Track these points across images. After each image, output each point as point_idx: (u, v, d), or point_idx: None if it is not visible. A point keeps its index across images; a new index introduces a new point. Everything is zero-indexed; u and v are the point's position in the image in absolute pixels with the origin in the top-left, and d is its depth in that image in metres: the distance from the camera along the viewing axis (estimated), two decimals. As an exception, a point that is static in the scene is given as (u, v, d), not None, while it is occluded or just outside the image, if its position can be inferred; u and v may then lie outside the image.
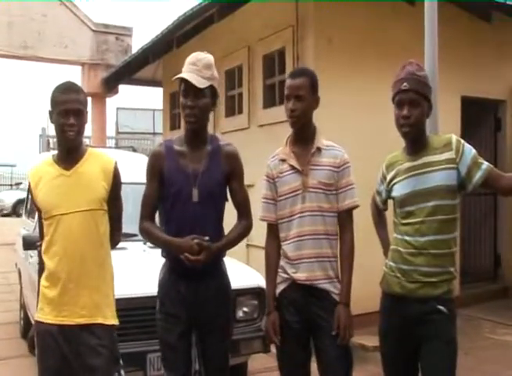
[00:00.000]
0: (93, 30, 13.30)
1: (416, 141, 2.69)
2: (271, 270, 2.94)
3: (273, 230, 2.96)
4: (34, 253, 4.78)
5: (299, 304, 2.85)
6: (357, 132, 5.98)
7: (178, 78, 2.82)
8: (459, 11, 6.49)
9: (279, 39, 6.50)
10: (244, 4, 6.55)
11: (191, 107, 2.77)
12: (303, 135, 2.93)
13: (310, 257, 2.83)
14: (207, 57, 2.88)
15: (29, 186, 2.81)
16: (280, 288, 2.92)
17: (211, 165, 2.84)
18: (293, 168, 2.89)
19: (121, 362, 2.82)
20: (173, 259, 2.82)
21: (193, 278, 2.77)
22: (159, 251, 4.35)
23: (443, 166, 2.60)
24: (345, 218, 2.90)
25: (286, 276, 2.89)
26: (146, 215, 2.89)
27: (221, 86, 8.03)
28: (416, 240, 2.62)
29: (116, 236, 2.97)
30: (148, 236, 2.91)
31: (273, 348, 4.25)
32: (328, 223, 2.87)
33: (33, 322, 5.04)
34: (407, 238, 2.66)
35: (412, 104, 2.61)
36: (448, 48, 6.03)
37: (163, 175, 2.82)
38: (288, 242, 2.88)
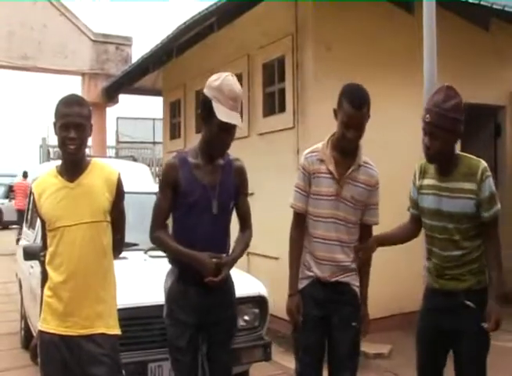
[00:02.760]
0: (93, 40, 13.37)
1: (442, 165, 2.85)
2: (295, 255, 3.12)
3: (300, 219, 3.12)
4: (34, 263, 4.77)
5: (321, 300, 3.04)
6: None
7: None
8: (457, 19, 6.50)
9: (278, 47, 6.52)
10: (244, 13, 6.56)
11: (228, 144, 2.91)
12: (349, 150, 3.06)
13: (335, 260, 3.03)
14: (240, 89, 2.93)
15: (32, 197, 2.80)
16: (303, 284, 3.10)
17: (225, 179, 2.96)
18: (330, 172, 3.02)
19: (123, 372, 2.81)
20: (183, 267, 2.90)
21: (202, 284, 2.83)
22: (160, 260, 4.35)
23: (465, 195, 2.77)
24: (367, 232, 3.14)
25: (310, 273, 3.08)
26: (159, 224, 2.97)
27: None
28: (437, 252, 2.89)
29: (119, 246, 2.97)
30: (162, 245, 3.00)
31: (274, 357, 4.28)
32: (351, 233, 3.07)
33: (34, 332, 5.03)
34: (431, 248, 2.93)
35: (432, 136, 2.74)
36: (448, 55, 6.03)
37: (178, 186, 2.89)
38: (318, 241, 3.06)
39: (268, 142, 6.72)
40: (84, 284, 2.72)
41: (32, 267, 4.98)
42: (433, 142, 2.75)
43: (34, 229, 5.75)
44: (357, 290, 3.11)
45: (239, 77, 7.47)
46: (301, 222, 3.12)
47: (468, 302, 2.79)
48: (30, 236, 5.82)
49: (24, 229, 6.94)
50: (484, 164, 2.81)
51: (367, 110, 2.98)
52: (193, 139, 9.04)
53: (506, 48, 7.37)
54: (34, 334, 5.02)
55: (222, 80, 2.87)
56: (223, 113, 2.79)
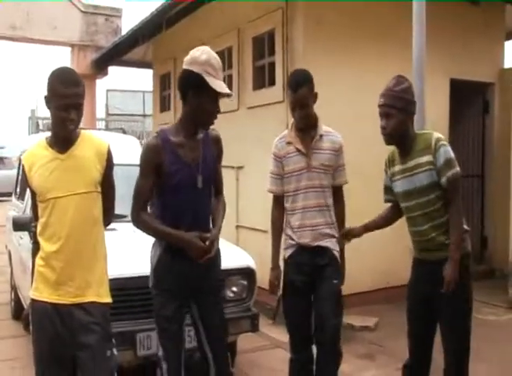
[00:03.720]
0: (82, 11, 13.21)
1: (401, 146, 3.12)
2: (276, 232, 3.51)
3: (279, 201, 3.51)
4: (24, 234, 4.80)
5: (305, 264, 3.39)
6: (345, 114, 6.00)
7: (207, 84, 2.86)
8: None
9: (268, 21, 6.48)
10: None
11: (218, 112, 2.96)
12: (307, 126, 3.42)
13: (314, 225, 3.39)
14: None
15: (22, 169, 2.80)
16: (288, 252, 3.46)
17: (207, 152, 3.01)
18: (298, 150, 3.40)
19: (114, 340, 2.86)
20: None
21: (189, 255, 2.89)
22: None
23: (425, 168, 3.02)
24: (339, 192, 3.54)
25: (293, 242, 3.43)
26: (141, 206, 2.98)
27: (210, 68, 8.03)
28: (418, 229, 3.12)
29: (108, 216, 2.99)
30: (148, 228, 2.98)
31: (262, 328, 4.36)
32: (327, 197, 3.44)
33: (24, 303, 5.09)
34: (412, 228, 3.17)
35: (387, 117, 3.04)
36: (437, 31, 6.05)
37: (162, 168, 2.89)
38: (295, 212, 3.41)
39: (258, 116, 6.72)
40: (75, 254, 2.74)
41: (22, 238, 5.01)
42: (388, 122, 3.03)
43: (23, 200, 5.75)
44: (337, 254, 3.45)
45: (230, 51, 7.46)
46: (279, 203, 3.52)
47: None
48: (20, 207, 5.83)
49: (13, 200, 6.94)
50: (436, 135, 3.05)
51: (307, 89, 3.32)
52: (183, 112, 9.03)
53: (495, 24, 7.40)
54: (25, 305, 5.08)
55: (208, 53, 2.91)
56: (219, 86, 2.86)
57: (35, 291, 2.79)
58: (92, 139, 2.86)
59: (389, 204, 3.39)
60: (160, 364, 2.97)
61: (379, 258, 6.19)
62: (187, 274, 2.94)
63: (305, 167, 3.39)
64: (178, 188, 2.92)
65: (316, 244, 3.38)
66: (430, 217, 3.05)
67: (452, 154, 3.01)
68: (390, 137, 3.08)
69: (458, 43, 6.96)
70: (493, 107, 7.87)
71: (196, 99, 2.90)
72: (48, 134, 2.88)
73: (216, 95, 2.89)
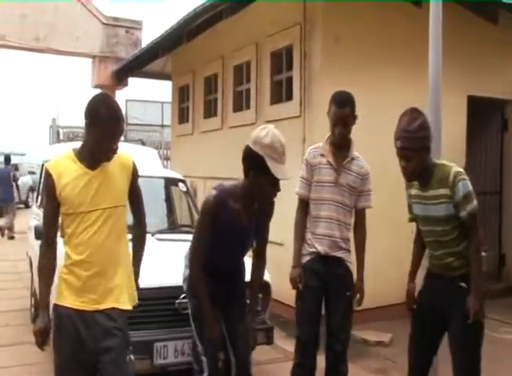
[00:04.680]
0: (104, 23, 13.40)
1: (420, 178, 3.14)
2: (300, 233, 3.70)
3: (303, 204, 3.73)
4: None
5: (320, 271, 3.61)
6: (363, 131, 6.03)
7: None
8: (465, 12, 6.49)
9: (286, 36, 6.56)
10: (253, 1, 6.60)
11: (276, 193, 3.12)
12: (342, 145, 3.65)
13: (333, 237, 3.62)
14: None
15: (48, 177, 2.83)
16: (306, 259, 3.67)
17: (259, 219, 3.26)
18: (330, 164, 3.63)
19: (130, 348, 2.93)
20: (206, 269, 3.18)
21: (219, 275, 3.27)
22: (167, 243, 4.46)
23: (441, 200, 3.05)
24: (362, 215, 3.73)
25: (312, 250, 3.65)
26: (199, 264, 3.19)
27: (229, 81, 8.13)
28: (433, 253, 3.21)
29: (141, 223, 3.11)
30: (196, 287, 3.22)
31: (276, 341, 4.39)
32: (347, 216, 3.68)
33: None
34: (428, 250, 3.27)
35: (407, 158, 3.05)
36: (455, 48, 6.08)
37: (217, 227, 3.11)
38: (319, 220, 3.64)
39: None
40: (101, 264, 2.82)
41: (42, 247, 5.09)
42: (408, 164, 3.05)
43: (44, 209, 5.86)
44: (350, 266, 3.70)
45: (248, 65, 7.55)
46: (304, 206, 3.72)
47: (462, 283, 3.07)
48: (41, 216, 5.93)
49: (34, 208, 7.06)
50: (455, 169, 3.06)
51: (350, 109, 3.58)
52: (201, 124, 9.14)
53: (514, 41, 7.37)
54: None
55: (272, 136, 3.00)
56: (280, 172, 2.97)
57: (59, 297, 2.86)
58: (118, 154, 2.93)
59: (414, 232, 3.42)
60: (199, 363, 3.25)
61: (395, 274, 6.15)
62: (216, 291, 3.18)
63: (333, 181, 3.61)
64: (227, 246, 3.19)
65: (333, 254, 3.61)
66: (444, 245, 3.12)
67: (470, 188, 3.03)
68: (410, 176, 3.14)
69: (476, 60, 6.96)
70: (512, 124, 7.81)
71: (256, 178, 3.03)
72: (73, 145, 2.97)
73: (276, 180, 2.99)
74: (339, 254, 3.64)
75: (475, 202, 3.04)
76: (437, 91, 4.03)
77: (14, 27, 12.22)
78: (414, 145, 3.01)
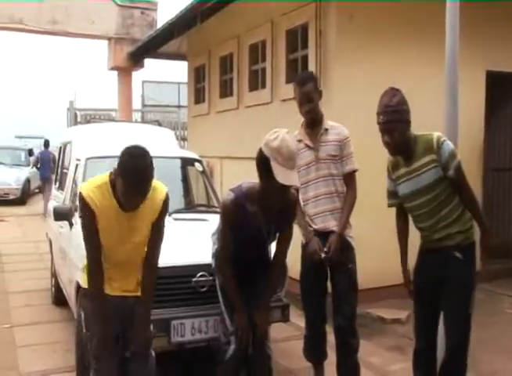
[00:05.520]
0: (119, 5, 13.41)
1: (404, 152, 3.30)
2: (300, 217, 3.74)
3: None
4: (64, 224, 4.96)
5: (320, 247, 3.69)
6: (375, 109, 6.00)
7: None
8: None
9: (302, 14, 6.50)
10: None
11: (284, 199, 3.21)
12: (314, 121, 3.79)
13: (325, 211, 3.73)
14: (296, 147, 3.15)
15: (86, 207, 2.95)
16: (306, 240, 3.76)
17: (278, 222, 3.32)
18: (307, 146, 3.77)
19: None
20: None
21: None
22: (184, 222, 4.51)
23: (430, 166, 3.22)
24: (349, 179, 3.79)
25: (310, 228, 3.77)
26: (227, 256, 3.35)
27: (245, 60, 8.10)
28: (425, 224, 3.33)
29: (154, 256, 3.17)
30: (224, 277, 3.38)
31: (292, 318, 4.43)
32: (338, 185, 3.76)
33: (63, 289, 5.27)
34: (419, 225, 3.38)
35: (390, 132, 3.21)
36: (474, 21, 5.99)
37: (236, 228, 3.24)
38: (308, 202, 3.78)
39: (291, 109, 6.70)
40: (125, 272, 3.14)
41: (62, 227, 5.18)
42: (392, 137, 3.21)
43: (63, 190, 5.94)
44: (350, 240, 3.78)
45: (263, 44, 7.50)
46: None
47: (457, 254, 3.25)
48: (60, 198, 6.02)
49: (53, 190, 7.15)
50: (436, 134, 3.26)
51: (313, 85, 3.72)
52: (217, 104, 9.14)
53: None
54: (64, 291, 5.27)
55: (281, 140, 3.01)
56: (282, 176, 2.98)
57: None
58: (153, 191, 3.00)
59: (395, 215, 3.57)
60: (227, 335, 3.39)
61: (412, 251, 6.19)
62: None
63: (314, 160, 3.74)
64: (245, 247, 3.32)
65: (330, 229, 3.71)
66: (436, 210, 3.26)
67: (452, 145, 3.25)
68: (395, 149, 3.29)
69: (495, 34, 6.83)
70: (531, 99, 7.69)
71: (266, 181, 3.08)
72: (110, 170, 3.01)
73: (283, 184, 3.01)
74: (335, 228, 3.71)
75: (458, 157, 3.24)
76: (454, 66, 3.98)
77: (31, 10, 12.29)
78: (396, 117, 3.20)
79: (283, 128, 3.13)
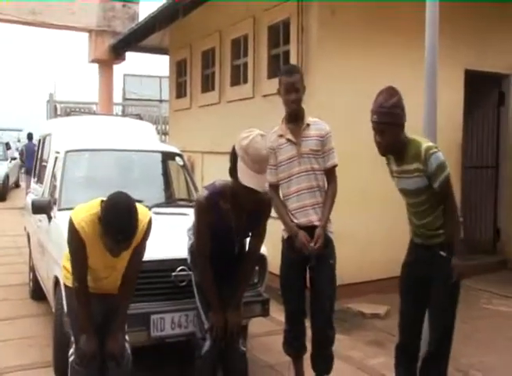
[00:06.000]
0: (100, -3, 13.25)
1: (395, 154, 3.31)
2: (283, 212, 3.78)
3: (274, 188, 3.80)
4: (42, 217, 4.92)
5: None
6: (359, 102, 6.03)
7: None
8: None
9: (284, 10, 6.51)
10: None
11: (252, 201, 3.17)
12: (296, 116, 3.79)
13: (307, 205, 3.73)
14: (267, 151, 3.12)
15: (76, 236, 3.03)
16: (287, 234, 3.79)
17: (250, 220, 3.31)
18: (289, 140, 3.75)
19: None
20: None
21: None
22: (164, 216, 4.50)
23: (415, 174, 3.24)
24: (330, 173, 3.82)
25: (293, 223, 3.73)
26: (205, 260, 3.35)
27: (226, 55, 8.08)
28: (413, 221, 3.41)
29: (129, 286, 3.28)
30: (201, 273, 3.41)
31: (272, 313, 4.45)
32: (319, 179, 3.78)
33: (41, 283, 5.23)
34: (412, 219, 3.43)
35: (382, 132, 3.21)
36: (453, 21, 6.05)
37: (209, 223, 3.25)
38: (290, 197, 3.76)
39: (273, 104, 6.75)
40: (106, 284, 3.26)
41: (40, 221, 5.14)
42: (383, 138, 3.21)
43: (41, 183, 5.88)
44: (331, 235, 3.79)
45: (245, 39, 7.50)
46: (275, 190, 3.81)
47: (442, 252, 3.29)
48: (38, 191, 5.96)
49: (32, 183, 7.08)
50: (425, 144, 3.23)
51: (300, 77, 3.74)
52: (199, 98, 9.11)
53: (513, 15, 7.31)
54: (42, 285, 5.23)
55: (250, 141, 3.02)
56: (245, 177, 3.00)
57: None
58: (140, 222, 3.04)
59: None
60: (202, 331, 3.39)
61: (393, 247, 6.22)
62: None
63: (296, 154, 3.73)
64: (217, 244, 3.29)
65: (313, 223, 3.70)
66: (423, 215, 3.32)
67: (442, 158, 3.19)
68: (385, 150, 3.30)
69: (474, 34, 6.93)
70: (509, 99, 7.80)
71: (236, 176, 3.08)
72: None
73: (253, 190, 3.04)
74: (317, 222, 3.71)
75: (447, 170, 3.22)
76: (433, 64, 4.01)
77: (10, 0, 12.07)
78: (389, 119, 3.17)
79: (258, 130, 3.12)
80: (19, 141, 23.80)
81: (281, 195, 3.82)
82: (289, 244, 3.77)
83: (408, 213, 3.44)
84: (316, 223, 3.71)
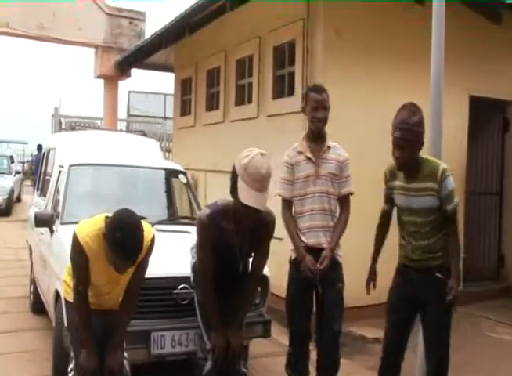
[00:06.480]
0: (107, 14, 13.37)
1: (409, 171, 3.34)
2: (293, 230, 3.75)
3: (288, 204, 3.80)
4: (44, 230, 4.92)
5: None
6: (364, 127, 6.06)
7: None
8: (468, 12, 6.49)
9: (289, 31, 6.57)
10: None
11: (254, 219, 3.17)
12: (319, 136, 3.78)
13: (318, 227, 3.71)
14: (267, 170, 3.07)
15: (81, 253, 3.03)
16: (295, 254, 3.75)
17: (252, 240, 3.32)
18: (308, 158, 3.74)
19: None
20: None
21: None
22: (166, 234, 4.51)
23: (428, 193, 3.28)
24: (344, 200, 3.82)
25: (301, 244, 3.69)
26: (208, 279, 3.35)
27: (231, 75, 8.14)
28: (411, 242, 3.39)
29: (131, 303, 3.28)
30: (203, 292, 3.39)
31: (274, 335, 4.42)
32: (332, 204, 3.76)
33: (42, 297, 5.21)
34: (406, 239, 3.43)
35: (402, 148, 3.24)
36: (458, 47, 6.08)
37: (211, 242, 3.25)
38: (302, 215, 3.73)
39: (277, 125, 6.81)
40: (107, 301, 3.26)
41: (42, 234, 5.13)
42: (402, 154, 3.25)
43: (44, 196, 5.90)
44: (339, 259, 3.76)
45: (250, 59, 7.56)
46: (289, 205, 3.80)
47: (438, 274, 3.32)
48: (41, 204, 5.97)
49: (35, 197, 7.09)
50: (443, 166, 3.31)
51: (327, 96, 3.75)
52: (203, 117, 9.15)
53: (517, 42, 7.36)
54: (43, 298, 5.21)
55: (250, 160, 3.03)
56: (246, 195, 3.01)
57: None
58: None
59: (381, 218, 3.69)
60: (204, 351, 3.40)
61: (392, 271, 6.22)
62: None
63: (314, 174, 3.72)
64: (219, 264, 3.27)
65: (320, 246, 3.68)
66: (423, 236, 3.34)
67: (454, 184, 3.29)
68: (403, 166, 3.33)
69: (478, 60, 6.96)
70: (513, 125, 7.78)
71: (236, 197, 3.10)
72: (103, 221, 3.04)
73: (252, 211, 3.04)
74: (326, 245, 3.70)
75: (457, 198, 3.32)
76: (438, 90, 4.04)
77: (17, 14, 12.15)
78: (411, 137, 3.21)
79: (258, 149, 3.13)
80: (31, 155, 23.42)
81: (293, 212, 3.81)
82: (296, 264, 3.75)
83: (403, 233, 3.44)
84: (325, 246, 3.69)
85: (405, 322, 3.47)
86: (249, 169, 2.99)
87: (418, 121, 3.23)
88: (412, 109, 3.25)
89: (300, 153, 3.76)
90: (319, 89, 3.78)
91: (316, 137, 3.78)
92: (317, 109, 3.70)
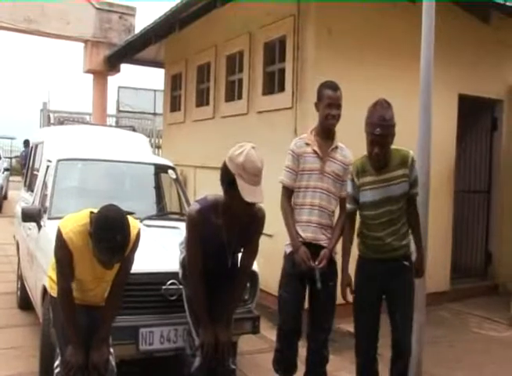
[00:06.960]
0: (97, 8, 13.27)
1: (382, 161, 3.47)
2: (290, 218, 3.76)
3: (288, 192, 3.81)
4: (32, 225, 4.88)
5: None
6: (354, 124, 6.05)
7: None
8: (458, 10, 6.52)
9: (280, 27, 6.55)
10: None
11: (250, 213, 3.19)
12: (329, 133, 3.80)
13: (316, 223, 3.72)
14: (261, 162, 3.08)
15: (65, 247, 3.00)
16: (290, 248, 3.77)
17: (242, 236, 3.30)
18: (315, 152, 3.74)
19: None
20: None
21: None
22: (155, 229, 4.49)
23: (400, 180, 3.47)
24: (344, 203, 3.78)
25: (298, 238, 3.71)
26: (197, 274, 3.32)
27: (222, 71, 8.12)
28: (376, 235, 3.52)
29: (116, 296, 3.25)
30: (192, 288, 3.36)
31: (263, 331, 4.42)
32: (332, 203, 3.78)
33: (29, 292, 5.17)
34: (370, 234, 3.56)
35: (383, 144, 3.38)
36: (447, 46, 6.11)
37: (200, 237, 3.23)
38: (303, 208, 3.74)
39: (267, 121, 6.79)
40: (92, 297, 3.25)
41: (30, 229, 5.09)
42: (382, 150, 3.38)
43: (32, 191, 5.85)
44: (334, 256, 3.78)
45: (241, 55, 7.53)
46: (289, 194, 3.80)
47: (405, 262, 3.55)
48: (29, 199, 5.92)
49: (22, 192, 7.03)
50: (412, 153, 3.54)
51: (341, 94, 3.78)
52: (193, 113, 9.12)
53: (506, 41, 7.39)
54: (30, 294, 5.17)
55: (245, 156, 3.00)
56: (247, 193, 2.99)
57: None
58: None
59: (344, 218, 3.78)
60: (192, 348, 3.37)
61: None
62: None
63: (319, 169, 3.73)
64: (211, 260, 3.27)
65: (317, 242, 3.71)
66: (394, 222, 3.50)
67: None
68: (384, 161, 3.46)
69: (468, 59, 6.99)
70: (501, 124, 7.84)
71: (230, 193, 3.07)
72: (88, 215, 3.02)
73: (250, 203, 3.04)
74: (323, 242, 3.73)
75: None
76: (428, 88, 4.06)
77: (5, 7, 12.05)
78: (391, 132, 3.38)
79: (249, 143, 3.11)
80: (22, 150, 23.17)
81: (292, 203, 3.81)
82: (291, 259, 3.75)
83: (373, 229, 3.53)
84: (324, 244, 3.72)
85: (376, 317, 3.61)
86: (247, 166, 2.98)
87: (392, 115, 3.38)
88: (385, 105, 3.38)
89: (307, 144, 3.76)
90: (335, 87, 3.79)
91: (326, 134, 3.79)
92: (331, 106, 3.72)
